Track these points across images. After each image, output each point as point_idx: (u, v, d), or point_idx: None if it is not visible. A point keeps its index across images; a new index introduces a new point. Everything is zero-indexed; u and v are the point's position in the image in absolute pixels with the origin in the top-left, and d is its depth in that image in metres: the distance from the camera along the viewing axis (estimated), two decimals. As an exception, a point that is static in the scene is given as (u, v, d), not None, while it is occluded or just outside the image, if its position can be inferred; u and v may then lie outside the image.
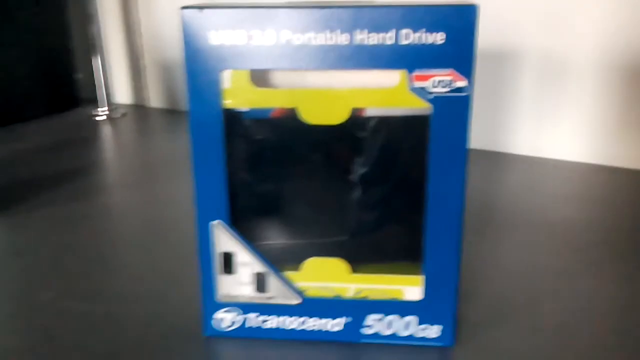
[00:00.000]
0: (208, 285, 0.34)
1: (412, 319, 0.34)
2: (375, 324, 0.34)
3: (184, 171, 0.65)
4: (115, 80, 0.99)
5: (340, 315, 0.34)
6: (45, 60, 0.92)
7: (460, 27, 0.29)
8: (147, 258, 0.45)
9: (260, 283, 0.34)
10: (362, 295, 0.34)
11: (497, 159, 0.67)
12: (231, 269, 0.34)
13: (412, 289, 0.33)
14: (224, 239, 0.33)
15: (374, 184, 0.32)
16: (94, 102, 0.94)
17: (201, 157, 0.32)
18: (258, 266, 0.34)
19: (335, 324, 0.34)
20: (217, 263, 0.34)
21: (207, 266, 0.34)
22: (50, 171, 0.66)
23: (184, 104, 0.95)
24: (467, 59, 0.29)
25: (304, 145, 0.32)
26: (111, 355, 0.34)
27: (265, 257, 0.34)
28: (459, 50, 0.29)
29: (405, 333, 0.34)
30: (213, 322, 0.35)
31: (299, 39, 0.30)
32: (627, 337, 0.34)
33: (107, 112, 0.91)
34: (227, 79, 0.31)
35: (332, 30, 0.29)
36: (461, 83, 0.30)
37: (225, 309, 0.35)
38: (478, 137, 0.71)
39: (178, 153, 0.72)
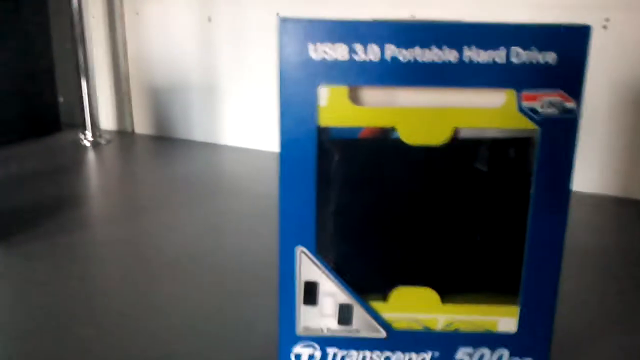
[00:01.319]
0: (288, 317, 0.32)
1: (504, 352, 0.32)
2: (465, 358, 0.32)
3: (175, 200, 0.62)
4: (100, 105, 0.95)
5: (428, 349, 0.32)
6: (27, 82, 0.87)
7: (573, 47, 0.28)
8: (158, 294, 0.42)
9: (344, 315, 0.32)
10: (452, 327, 0.32)
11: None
12: (314, 300, 0.31)
13: (507, 320, 0.32)
14: (307, 267, 0.31)
15: (472, 209, 0.31)
16: (75, 126, 0.89)
17: (290, 178, 0.30)
18: (342, 296, 0.31)
19: (423, 359, 0.32)
20: (299, 293, 0.31)
21: (289, 296, 0.31)
22: (37, 200, 0.62)
23: (171, 130, 0.91)
24: (577, 81, 0.29)
25: (400, 167, 0.30)
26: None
27: (350, 286, 0.31)
28: (569, 71, 0.28)
29: (497, 367, 0.32)
30: (291, 358, 0.32)
31: (404, 55, 0.28)
32: None
33: (92, 138, 0.87)
34: (324, 95, 0.29)
35: (440, 46, 0.28)
36: (571, 105, 0.29)
37: (304, 343, 0.32)
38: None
39: (168, 182, 0.69)
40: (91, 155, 0.81)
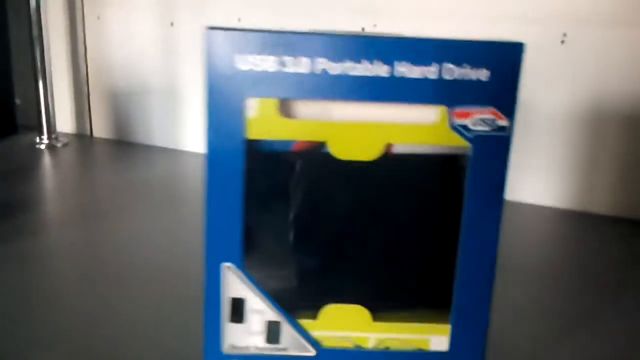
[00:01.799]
0: (213, 335, 0.31)
1: (436, 372, 0.31)
2: (396, 378, 0.31)
3: (133, 206, 0.60)
4: (58, 107, 0.93)
5: (359, 369, 0.31)
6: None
7: (506, 64, 0.28)
8: (113, 301, 0.41)
9: (272, 333, 0.31)
10: (383, 345, 0.31)
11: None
12: (241, 317, 0.30)
13: (438, 338, 0.31)
14: (234, 283, 0.30)
15: (403, 226, 0.30)
16: (33, 129, 0.87)
17: (217, 192, 0.29)
18: (271, 314, 0.31)
19: (353, 378, 0.31)
20: (226, 310, 0.30)
21: (214, 313, 0.30)
22: (-8, 202, 0.60)
23: (130, 135, 0.90)
24: (510, 98, 0.28)
25: (328, 182, 0.30)
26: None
27: (279, 304, 0.31)
28: (502, 89, 0.28)
29: (429, 387, 0.31)
30: (217, 377, 0.31)
31: (335, 68, 0.28)
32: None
33: (48, 141, 0.85)
34: (252, 107, 0.28)
35: (371, 60, 0.28)
36: (503, 122, 0.28)
37: (231, 362, 0.31)
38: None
39: (125, 187, 0.67)
40: (47, 159, 0.80)
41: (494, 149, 0.29)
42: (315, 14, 0.73)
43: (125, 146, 0.87)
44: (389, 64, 0.28)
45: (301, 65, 0.28)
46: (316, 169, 0.29)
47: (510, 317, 0.41)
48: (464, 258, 0.30)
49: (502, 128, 0.28)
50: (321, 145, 0.29)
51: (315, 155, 0.29)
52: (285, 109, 0.29)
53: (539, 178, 0.67)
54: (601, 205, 0.65)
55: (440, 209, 0.30)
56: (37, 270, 0.45)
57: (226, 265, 0.30)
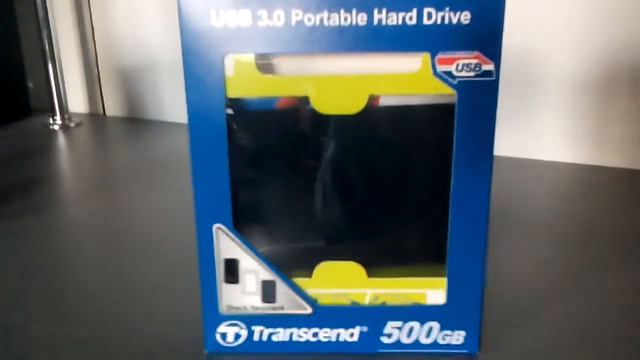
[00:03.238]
0: (210, 296, 0.31)
1: (434, 325, 0.31)
2: (394, 332, 0.31)
3: (147, 180, 0.61)
4: (70, 88, 0.94)
5: (356, 324, 0.31)
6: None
7: (487, 5, 0.27)
8: (126, 271, 0.41)
9: (267, 292, 0.31)
10: (380, 301, 0.31)
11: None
12: (235, 278, 0.31)
13: (435, 292, 0.31)
14: (226, 245, 0.30)
15: (393, 179, 0.30)
16: (46, 111, 0.88)
17: (201, 153, 0.29)
18: (265, 273, 0.31)
19: (351, 334, 0.31)
20: (220, 271, 0.30)
21: (209, 275, 0.30)
22: (9, 183, 0.61)
23: (142, 111, 0.90)
24: (494, 40, 0.27)
25: (315, 138, 0.29)
26: (101, 380, 0.30)
27: (272, 263, 0.30)
28: (485, 31, 0.27)
29: (427, 341, 0.31)
30: (216, 337, 0.31)
31: (310, 19, 0.27)
32: (653, 333, 0.33)
33: (61, 122, 0.86)
34: (230, 65, 0.28)
35: (347, 9, 0.27)
36: (488, 66, 0.27)
37: (229, 322, 0.31)
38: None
39: (139, 162, 0.68)
40: (61, 139, 0.80)
41: (481, 95, 0.28)
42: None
43: (137, 123, 0.88)
44: (367, 11, 0.27)
45: (276, 18, 0.27)
46: (301, 125, 0.29)
47: (513, 270, 0.40)
48: (455, 210, 0.29)
49: (487, 72, 0.28)
50: (305, 100, 0.29)
51: (298, 111, 0.29)
52: (265, 65, 0.28)
53: (554, 136, 0.65)
54: (615, 159, 0.63)
55: (430, 160, 0.29)
56: (54, 243, 0.46)
57: (217, 226, 0.30)
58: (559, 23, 0.62)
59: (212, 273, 0.30)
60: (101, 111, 0.94)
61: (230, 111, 0.28)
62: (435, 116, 0.29)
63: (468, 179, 0.29)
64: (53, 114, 0.86)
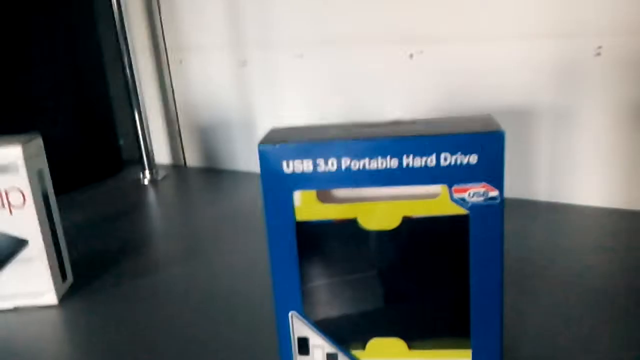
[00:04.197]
0: (288, 366, 0.41)
1: (462, 386, 0.40)
2: (431, 392, 0.40)
3: (238, 233, 0.72)
4: (155, 142, 1.07)
5: (401, 386, 0.40)
6: (90, 128, 0.99)
7: (491, 149, 0.35)
8: (227, 336, 0.51)
9: (331, 361, 0.40)
10: (418, 368, 0.40)
11: (516, 205, 0.73)
12: (307, 351, 0.40)
13: (462, 361, 0.39)
14: (299, 326, 0.40)
15: (424, 275, 0.39)
16: (134, 163, 1.01)
17: (278, 261, 0.39)
18: (329, 347, 0.40)
19: (397, 393, 0.40)
20: (295, 346, 0.40)
21: (287, 350, 0.40)
22: (114, 243, 0.73)
23: (220, 162, 1.02)
24: (497, 175, 0.36)
25: (362, 247, 0.39)
26: None
27: (334, 339, 0.40)
28: (490, 168, 0.36)
29: (458, 398, 0.40)
30: (293, 397, 0.41)
31: (356, 164, 0.36)
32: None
33: (150, 176, 0.98)
34: (298, 197, 0.38)
35: (383, 156, 0.36)
36: (493, 193, 0.36)
37: (303, 385, 0.41)
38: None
39: (227, 215, 0.79)
40: (151, 194, 0.93)
41: (488, 215, 0.36)
42: (367, 43, 0.81)
43: (214, 173, 0.99)
44: (398, 157, 0.36)
45: (330, 165, 0.36)
46: (352, 238, 0.38)
47: (536, 325, 0.48)
48: (474, 296, 0.38)
49: (493, 198, 0.36)
50: (354, 220, 0.38)
51: (348, 228, 0.38)
52: (323, 195, 0.38)
53: (583, 176, 0.72)
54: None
55: (452, 259, 0.38)
56: (147, 307, 0.57)
57: (292, 312, 0.39)
58: (588, 81, 0.69)
59: (289, 348, 0.40)
60: (182, 162, 1.06)
61: (297, 230, 0.38)
62: (453, 226, 0.37)
63: (482, 275, 0.37)
64: (143, 169, 0.99)
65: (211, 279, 0.62)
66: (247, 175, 0.96)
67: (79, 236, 0.77)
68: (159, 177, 0.99)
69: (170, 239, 0.74)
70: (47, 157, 0.58)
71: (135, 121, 0.98)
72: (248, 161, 0.98)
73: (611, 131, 0.69)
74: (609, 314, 0.49)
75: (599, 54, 0.68)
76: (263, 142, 0.37)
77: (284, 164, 0.37)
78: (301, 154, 0.37)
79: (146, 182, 0.98)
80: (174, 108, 1.04)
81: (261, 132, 0.95)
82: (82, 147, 0.97)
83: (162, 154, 1.08)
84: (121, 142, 1.06)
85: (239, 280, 0.61)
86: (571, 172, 0.73)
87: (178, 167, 1.05)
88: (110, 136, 1.03)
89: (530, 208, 0.73)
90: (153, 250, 0.70)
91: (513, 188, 0.77)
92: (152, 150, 0.99)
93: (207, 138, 1.02)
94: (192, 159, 1.05)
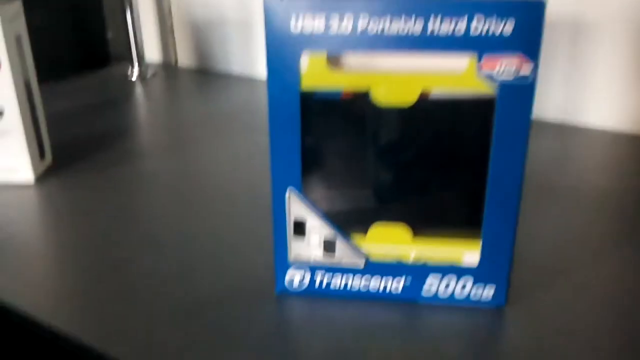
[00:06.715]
0: (281, 247, 0.38)
1: (468, 281, 0.37)
2: (433, 286, 0.37)
3: (217, 133, 0.68)
4: (144, 38, 1.01)
5: (401, 277, 0.37)
6: (78, 19, 0.93)
7: (529, 18, 0.31)
8: (211, 221, 0.48)
9: (328, 246, 0.37)
10: (422, 259, 0.37)
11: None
12: (303, 233, 0.37)
13: (470, 252, 0.37)
14: (296, 206, 0.37)
15: (439, 158, 0.35)
16: (123, 58, 0.95)
17: (278, 133, 0.35)
18: (327, 231, 0.37)
19: (396, 285, 0.38)
20: (290, 227, 0.37)
21: (281, 229, 0.37)
22: (97, 131, 0.69)
23: (213, 64, 0.96)
24: (534, 48, 0.32)
25: (373, 123, 0.35)
26: (191, 308, 0.37)
27: (334, 222, 0.37)
28: (526, 39, 0.32)
29: (461, 294, 0.37)
30: (285, 281, 0.38)
31: (375, 24, 0.32)
32: (659, 299, 0.38)
33: (139, 72, 0.93)
34: (305, 62, 0.34)
35: (407, 16, 0.32)
36: (526, 70, 0.32)
37: (295, 269, 0.38)
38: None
39: (210, 114, 0.75)
40: (139, 90, 0.88)
41: (518, 96, 0.33)
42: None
43: (206, 75, 0.94)
44: (424, 19, 0.32)
45: (345, 24, 0.32)
46: (363, 113, 0.35)
47: (545, 235, 0.46)
48: (492, 185, 0.35)
49: (524, 77, 0.32)
50: (366, 93, 0.34)
51: (362, 101, 0.34)
52: (333, 61, 0.34)
53: (602, 99, 0.68)
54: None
55: (471, 145, 0.35)
56: (154, 190, 0.54)
57: (289, 189, 0.36)
58: None
59: (284, 229, 0.37)
60: (173, 61, 1.01)
61: (302, 100, 0.34)
62: (477, 108, 0.34)
63: (504, 161, 0.34)
64: (131, 65, 0.93)
65: (195, 169, 0.58)
66: (241, 79, 0.92)
67: (61, 123, 0.73)
68: (148, 75, 0.93)
69: (155, 132, 0.70)
70: (31, 45, 0.53)
71: (125, 14, 0.92)
72: (243, 64, 0.93)
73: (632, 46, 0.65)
74: (605, 219, 0.47)
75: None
76: (271, -6, 0.33)
77: (292, 20, 0.33)
78: (313, 9, 0.32)
79: (134, 78, 0.92)
80: (167, 2, 0.98)
81: (259, 34, 0.90)
82: (66, 36, 0.92)
83: (153, 52, 1.02)
84: (110, 35, 1.00)
85: (223, 175, 0.57)
86: (584, 91, 0.69)
87: (169, 66, 1.00)
88: (99, 28, 0.97)
89: (541, 128, 0.70)
90: (137, 141, 0.67)
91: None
92: (142, 46, 0.93)
93: (201, 37, 0.96)
94: (184, 58, 1.00)
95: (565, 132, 0.68)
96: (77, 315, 0.37)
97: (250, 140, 0.66)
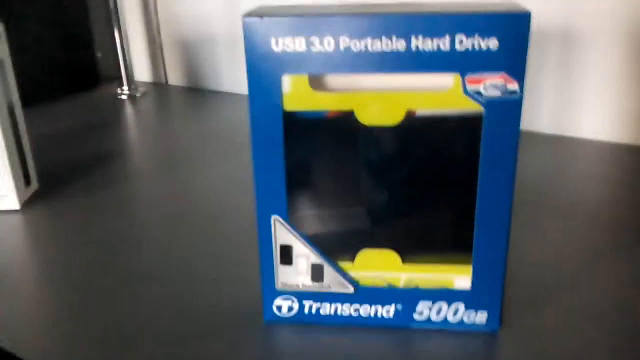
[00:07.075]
0: (268, 275, 0.36)
1: (460, 305, 0.36)
2: (425, 311, 0.36)
3: (208, 154, 0.67)
4: (134, 58, 1.00)
5: (392, 303, 0.36)
6: (66, 38, 0.92)
7: (514, 33, 0.30)
8: (202, 247, 0.47)
9: (316, 273, 0.36)
10: (413, 284, 0.36)
11: (523, 138, 0.69)
12: (290, 260, 0.36)
13: (461, 277, 0.35)
14: (282, 233, 0.35)
15: (426, 179, 0.34)
16: (113, 79, 0.95)
17: (262, 157, 0.34)
18: (314, 257, 0.36)
19: (387, 311, 0.36)
20: (277, 254, 0.36)
21: (268, 257, 0.36)
22: (86, 154, 0.68)
23: (203, 81, 0.96)
24: (519, 64, 0.31)
25: (359, 144, 0.34)
26: (178, 337, 0.36)
27: (320, 249, 0.36)
28: (511, 55, 0.31)
29: (454, 319, 0.36)
30: (273, 309, 0.37)
31: (356, 45, 0.31)
32: (660, 318, 0.37)
33: (129, 91, 0.92)
34: (287, 83, 0.32)
35: (388, 36, 0.31)
36: (513, 87, 0.31)
37: (283, 297, 0.37)
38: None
39: (206, 134, 0.74)
40: (128, 109, 0.87)
41: (506, 112, 0.32)
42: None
43: (197, 93, 0.93)
44: (405, 38, 0.31)
45: (326, 45, 0.31)
46: (347, 134, 0.34)
47: (539, 251, 0.44)
48: (481, 207, 0.33)
49: (512, 92, 0.31)
50: (350, 113, 0.33)
51: (346, 122, 0.33)
52: (316, 82, 0.33)
53: (593, 112, 0.67)
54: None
55: (459, 164, 0.33)
56: (143, 215, 0.52)
57: (275, 217, 0.35)
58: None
59: (270, 256, 0.36)
60: (163, 80, 1.00)
61: (285, 122, 0.33)
62: (464, 126, 0.33)
63: (493, 180, 0.33)
64: (121, 84, 0.92)
65: (185, 189, 0.57)
66: (231, 96, 0.91)
67: (49, 145, 0.71)
68: (138, 94, 0.93)
69: (145, 152, 0.69)
70: (18, 67, 0.52)
71: (114, 33, 0.91)
72: (233, 81, 0.92)
73: (621, 58, 0.64)
74: (601, 233, 0.45)
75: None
76: (249, 15, 0.32)
77: (273, 41, 0.32)
78: (293, 30, 0.31)
79: (124, 97, 0.92)
80: (156, 22, 0.97)
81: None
82: (55, 57, 0.91)
83: (142, 71, 1.01)
84: (99, 54, 0.99)
85: (214, 193, 0.56)
86: (576, 103, 0.68)
87: (159, 85, 0.99)
88: (88, 48, 0.97)
89: (533, 140, 0.69)
90: (126, 162, 0.65)
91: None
92: (131, 65, 0.93)
93: (190, 55, 0.95)
94: (174, 77, 0.99)
95: (556, 143, 0.67)
96: (60, 347, 0.36)
97: (243, 159, 0.65)
